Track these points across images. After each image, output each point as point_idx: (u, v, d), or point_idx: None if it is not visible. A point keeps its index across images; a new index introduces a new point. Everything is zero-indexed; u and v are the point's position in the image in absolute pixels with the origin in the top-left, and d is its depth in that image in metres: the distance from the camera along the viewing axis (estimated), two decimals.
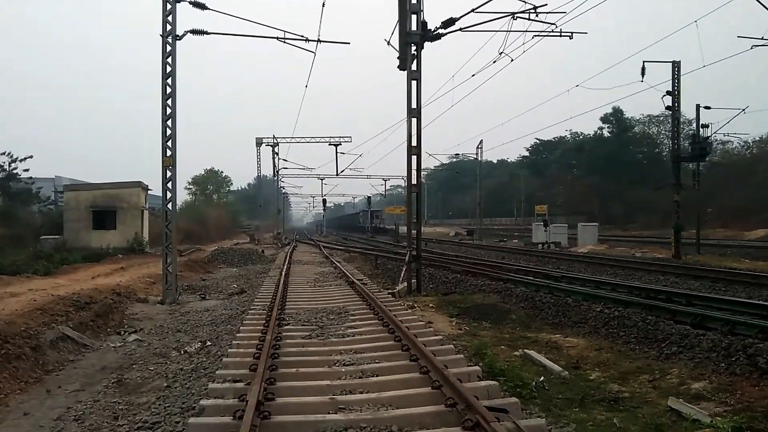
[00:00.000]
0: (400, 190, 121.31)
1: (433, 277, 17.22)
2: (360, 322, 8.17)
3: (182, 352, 8.29)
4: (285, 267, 17.43)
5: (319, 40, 15.61)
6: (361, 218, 73.22)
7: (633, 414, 5.14)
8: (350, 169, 49.86)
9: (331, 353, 6.43)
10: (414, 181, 13.67)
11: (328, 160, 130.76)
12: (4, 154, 31.45)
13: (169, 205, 14.44)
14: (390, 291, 12.49)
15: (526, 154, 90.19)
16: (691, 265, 19.63)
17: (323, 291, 12.05)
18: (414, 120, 13.50)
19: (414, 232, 14.05)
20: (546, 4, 13.95)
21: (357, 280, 13.04)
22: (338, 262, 20.42)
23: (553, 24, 14.56)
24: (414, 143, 13.45)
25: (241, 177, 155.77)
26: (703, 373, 6.37)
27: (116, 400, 6.13)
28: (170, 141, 14.25)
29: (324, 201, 66.01)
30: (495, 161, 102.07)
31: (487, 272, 16.87)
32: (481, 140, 49.72)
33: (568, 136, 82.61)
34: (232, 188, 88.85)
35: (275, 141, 50.15)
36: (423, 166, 14.39)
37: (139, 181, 31.50)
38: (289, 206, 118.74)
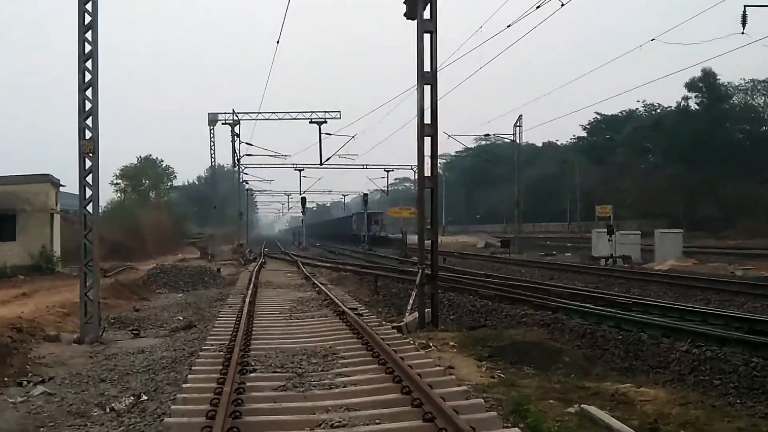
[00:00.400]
0: (408, 185, 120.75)
1: (454, 304, 17.43)
2: (354, 368, 8.25)
3: (108, 409, 8.23)
4: (250, 292, 17.51)
5: None
6: (355, 223, 73.73)
7: None
8: (339, 156, 50.52)
9: (315, 410, 6.40)
10: (428, 173, 13.61)
11: (308, 144, 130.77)
12: None
13: (89, 207, 14.44)
14: (395, 324, 12.66)
15: (583, 134, 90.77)
16: None
17: (303, 325, 12.18)
18: (427, 88, 13.42)
19: (428, 242, 14.02)
20: None
21: (349, 309, 13.20)
22: (323, 284, 20.64)
23: None
24: (427, 120, 13.38)
25: (188, 168, 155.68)
26: None
27: None
28: (90, 118, 14.28)
29: (303, 200, 65.99)
30: (540, 144, 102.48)
31: (529, 298, 16.87)
32: (521, 116, 50.08)
33: (641, 109, 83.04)
34: (176, 183, 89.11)
35: (236, 118, 50.57)
36: (440, 152, 14.59)
37: (48, 174, 31.57)
38: (255, 208, 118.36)
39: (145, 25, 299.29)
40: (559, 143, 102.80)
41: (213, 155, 53.42)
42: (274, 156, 54.77)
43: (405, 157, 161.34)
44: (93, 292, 14.37)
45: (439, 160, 14.27)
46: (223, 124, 50.91)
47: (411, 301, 14.39)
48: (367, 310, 14.37)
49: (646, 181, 69.67)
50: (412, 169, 63.46)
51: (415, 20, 13.57)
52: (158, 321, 16.98)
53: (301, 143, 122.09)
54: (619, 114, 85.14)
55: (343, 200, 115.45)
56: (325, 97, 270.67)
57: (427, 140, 13.45)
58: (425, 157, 13.55)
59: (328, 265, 34.15)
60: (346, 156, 53.54)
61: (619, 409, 7.46)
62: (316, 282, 21.43)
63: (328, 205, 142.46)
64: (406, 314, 14.11)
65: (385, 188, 72.85)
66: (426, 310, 13.60)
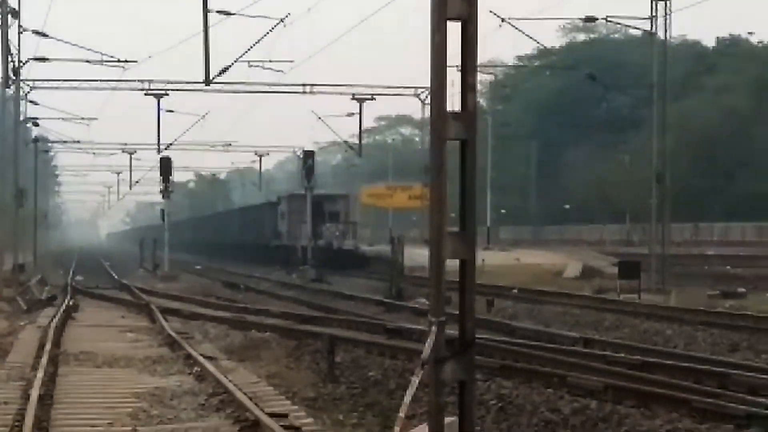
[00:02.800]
0: (405, 132, 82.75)
1: (512, 406, 11.47)
2: None
3: None
4: (41, 375, 11.66)
5: None
6: (285, 220, 43.61)
7: None
8: (250, 65, 29.44)
9: None
10: (455, 106, 8.15)
11: (176, 40, 71.74)
12: None
13: None
14: None
15: None
16: None
17: None
18: None
19: (452, 263, 8.84)
20: None
21: (271, 415, 9.18)
22: (211, 358, 13.65)
23: None
24: None
25: None
26: None
27: None
28: None
29: (164, 164, 38.52)
30: (711, 43, 62.83)
31: (683, 394, 10.96)
32: None
33: None
34: None
35: None
36: (483, 59, 10.31)
37: None
38: (57, 183, 71.34)
39: None
40: (755, 42, 59.80)
41: None
42: (100, 63, 29.96)
43: (397, 70, 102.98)
44: None
45: (480, 77, 8.32)
46: None
47: (407, 396, 8.00)
48: (311, 419, 9.69)
49: None
50: (416, 96, 38.24)
51: None
52: None
53: (159, 39, 62.87)
54: None
55: (258, 165, 64.51)
56: None
57: (454, 29, 7.71)
58: (447, 69, 7.44)
59: (224, 314, 22.17)
60: (265, 65, 30.57)
61: None
62: (192, 353, 13.93)
63: (223, 177, 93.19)
64: (401, 428, 8.71)
65: (355, 140, 42.82)
66: (449, 420, 7.79)
